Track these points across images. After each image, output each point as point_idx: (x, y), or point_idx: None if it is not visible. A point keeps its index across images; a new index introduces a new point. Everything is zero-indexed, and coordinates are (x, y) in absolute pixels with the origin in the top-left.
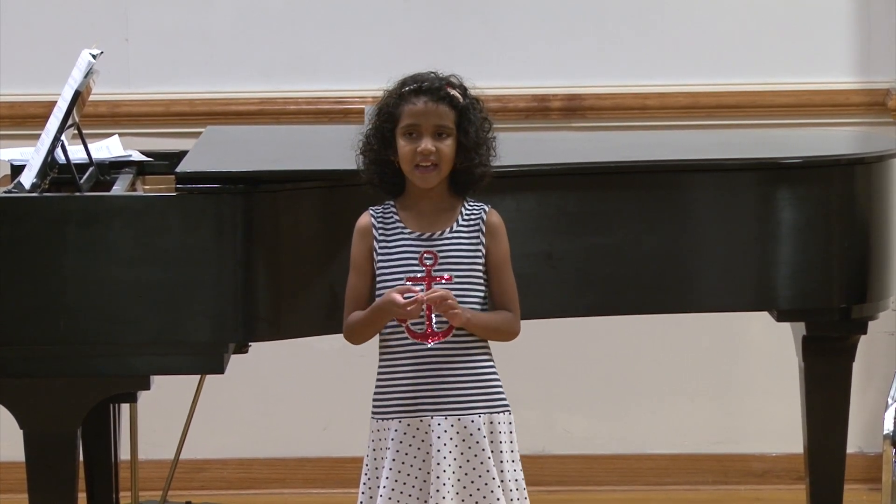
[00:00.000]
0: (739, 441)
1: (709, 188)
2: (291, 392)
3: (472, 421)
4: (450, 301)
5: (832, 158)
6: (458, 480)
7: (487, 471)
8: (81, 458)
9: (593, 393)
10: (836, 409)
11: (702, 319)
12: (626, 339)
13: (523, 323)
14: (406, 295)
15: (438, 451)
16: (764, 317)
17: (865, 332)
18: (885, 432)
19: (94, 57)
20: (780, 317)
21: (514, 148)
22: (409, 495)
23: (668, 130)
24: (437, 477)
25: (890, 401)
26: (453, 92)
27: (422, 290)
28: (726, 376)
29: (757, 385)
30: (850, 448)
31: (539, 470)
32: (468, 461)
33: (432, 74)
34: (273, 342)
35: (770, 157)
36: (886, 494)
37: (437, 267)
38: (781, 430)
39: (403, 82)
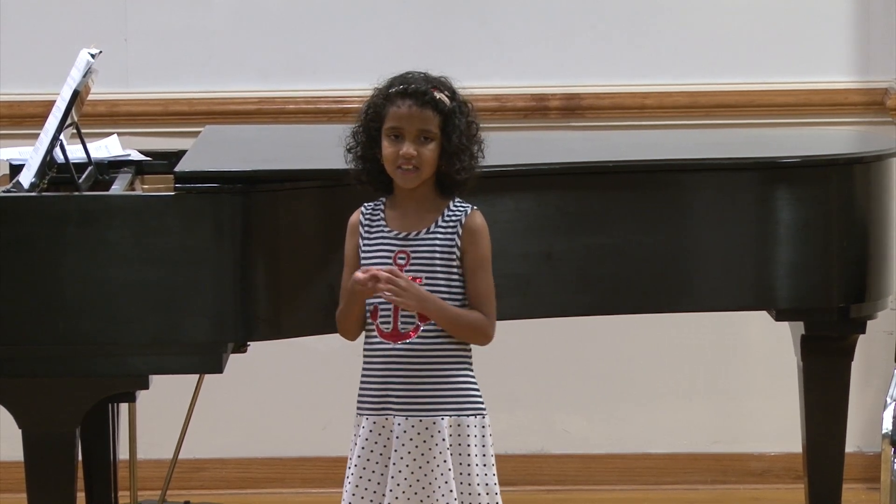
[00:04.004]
0: (738, 440)
1: (707, 188)
2: (290, 392)
3: (434, 423)
4: (397, 280)
5: (831, 158)
6: (418, 481)
7: (441, 474)
8: (80, 457)
9: (592, 392)
10: (835, 408)
11: (700, 319)
12: (624, 338)
13: (522, 323)
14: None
15: (396, 451)
16: (763, 316)
17: (864, 332)
18: (884, 431)
19: (92, 56)
20: (779, 316)
21: (512, 148)
22: (375, 492)
23: (666, 130)
24: (392, 477)
25: (888, 400)
26: (439, 96)
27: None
28: (725, 376)
29: (755, 384)
30: (849, 447)
31: (537, 469)
32: (427, 462)
33: (421, 76)
34: (272, 342)
35: (769, 156)
36: (885, 493)
37: (408, 267)
38: (780, 429)
39: (391, 82)
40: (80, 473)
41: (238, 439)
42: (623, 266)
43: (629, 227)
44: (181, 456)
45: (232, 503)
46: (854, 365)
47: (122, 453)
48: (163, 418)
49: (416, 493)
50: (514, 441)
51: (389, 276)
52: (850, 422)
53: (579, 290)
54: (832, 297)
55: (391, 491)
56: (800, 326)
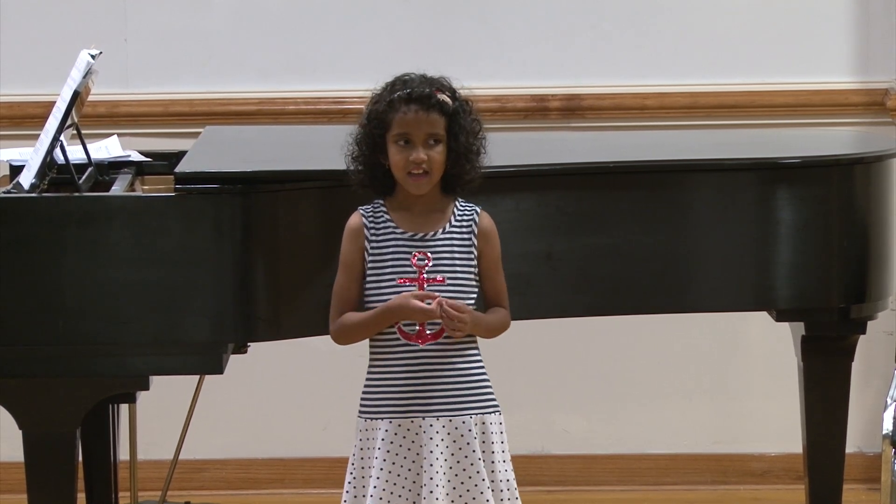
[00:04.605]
0: (738, 441)
1: (708, 188)
2: (290, 392)
3: (464, 422)
4: (461, 316)
5: (831, 158)
6: (449, 481)
7: (478, 472)
8: (80, 458)
9: (592, 393)
10: (835, 408)
11: (701, 319)
12: (625, 338)
13: (522, 323)
14: (426, 301)
15: (431, 452)
16: (763, 317)
17: (864, 332)
18: (884, 432)
19: (93, 57)
20: (779, 317)
21: (513, 148)
22: (399, 496)
23: (667, 130)
24: (431, 478)
25: (889, 400)
26: (443, 97)
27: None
28: (725, 376)
29: (756, 385)
30: (850, 448)
31: (538, 470)
32: (458, 462)
33: (420, 78)
34: (272, 342)
35: (769, 157)
36: (885, 494)
37: (429, 269)
38: (780, 429)
39: (392, 87)
40: (81, 474)
41: (238, 440)
42: (623, 266)
43: (629, 228)
44: (181, 456)
45: None
46: (854, 365)
47: (123, 454)
48: (163, 419)
49: (454, 489)
50: (515, 441)
51: (455, 313)
52: (851, 422)
53: (579, 290)
54: (832, 297)
55: (431, 492)
56: (800, 327)
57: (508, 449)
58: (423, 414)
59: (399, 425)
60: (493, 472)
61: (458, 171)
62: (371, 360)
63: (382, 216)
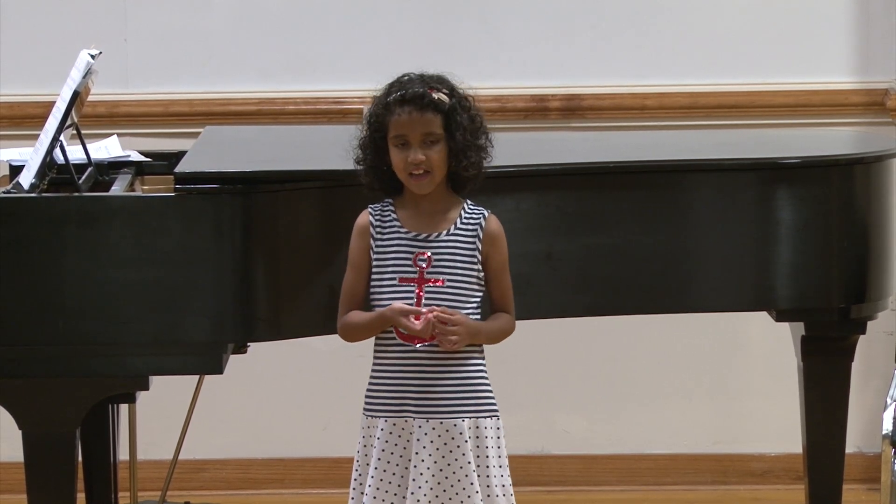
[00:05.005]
0: (738, 441)
1: (708, 188)
2: (290, 392)
3: (455, 425)
4: (453, 330)
5: (831, 158)
6: (438, 483)
7: (466, 475)
8: (80, 458)
9: (592, 393)
10: (835, 408)
11: (701, 319)
12: (625, 339)
13: (522, 323)
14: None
15: (417, 453)
16: (763, 317)
17: (864, 332)
18: (884, 432)
19: (92, 57)
20: (779, 317)
21: (513, 148)
22: (395, 494)
23: (667, 130)
24: (413, 479)
25: (889, 400)
26: (437, 96)
27: (425, 309)
28: (725, 376)
29: (756, 385)
30: (849, 448)
31: (538, 470)
32: (449, 465)
33: (416, 78)
34: (272, 342)
35: (769, 157)
36: (885, 494)
37: (429, 269)
38: (780, 430)
39: (388, 90)
40: (81, 474)
41: (238, 440)
42: (623, 266)
43: (629, 228)
44: (181, 457)
45: None
46: (854, 365)
47: (123, 454)
48: (163, 419)
49: (437, 497)
50: (515, 441)
51: (447, 328)
52: (850, 422)
53: (579, 290)
54: (832, 297)
55: (412, 494)
56: (800, 327)
57: (506, 455)
58: (414, 414)
59: (394, 424)
60: (487, 476)
61: (457, 168)
62: (374, 357)
63: (390, 215)
